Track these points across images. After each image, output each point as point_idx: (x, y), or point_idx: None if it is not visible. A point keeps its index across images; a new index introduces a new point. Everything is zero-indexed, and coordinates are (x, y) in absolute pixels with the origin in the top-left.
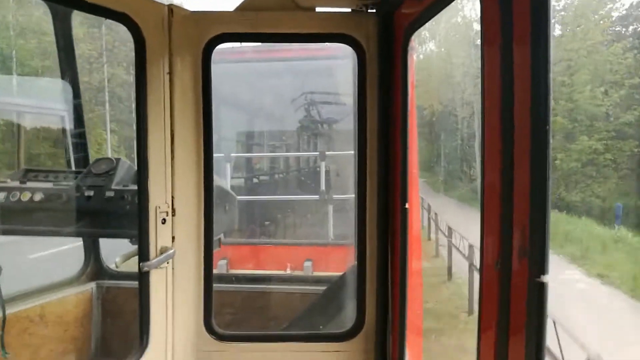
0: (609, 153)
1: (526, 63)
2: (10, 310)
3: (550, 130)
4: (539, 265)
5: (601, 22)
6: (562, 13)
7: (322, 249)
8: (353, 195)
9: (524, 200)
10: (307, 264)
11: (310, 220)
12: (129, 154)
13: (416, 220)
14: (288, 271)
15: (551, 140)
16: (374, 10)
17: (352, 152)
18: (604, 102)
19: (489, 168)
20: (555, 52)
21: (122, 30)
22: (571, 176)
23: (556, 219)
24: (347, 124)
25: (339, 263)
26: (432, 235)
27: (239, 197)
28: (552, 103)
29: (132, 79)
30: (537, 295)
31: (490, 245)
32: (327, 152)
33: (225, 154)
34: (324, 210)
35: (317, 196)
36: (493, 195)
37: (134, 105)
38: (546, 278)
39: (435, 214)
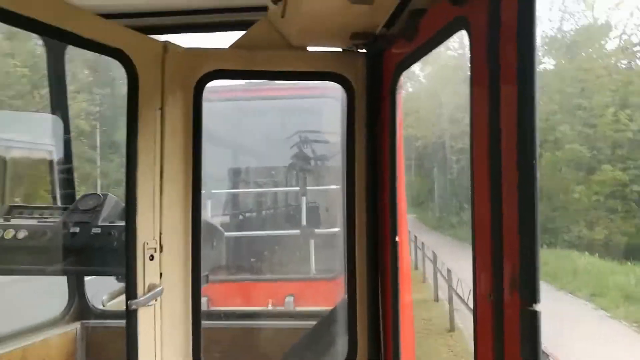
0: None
1: (513, 102)
2: None
3: (537, 165)
4: (531, 294)
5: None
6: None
7: (304, 283)
8: (336, 229)
9: (513, 233)
10: (289, 299)
11: (292, 256)
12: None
13: (406, 254)
14: (269, 307)
15: (538, 175)
16: (364, 50)
17: (337, 186)
18: (628, 126)
19: (478, 203)
20: (570, 73)
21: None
22: (591, 211)
23: (573, 259)
24: (335, 161)
25: (321, 298)
26: (430, 279)
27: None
28: (538, 140)
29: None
30: (530, 323)
31: (483, 277)
32: (312, 187)
33: (205, 190)
34: (305, 245)
35: (299, 231)
36: (483, 229)
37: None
38: (538, 307)
39: (434, 253)
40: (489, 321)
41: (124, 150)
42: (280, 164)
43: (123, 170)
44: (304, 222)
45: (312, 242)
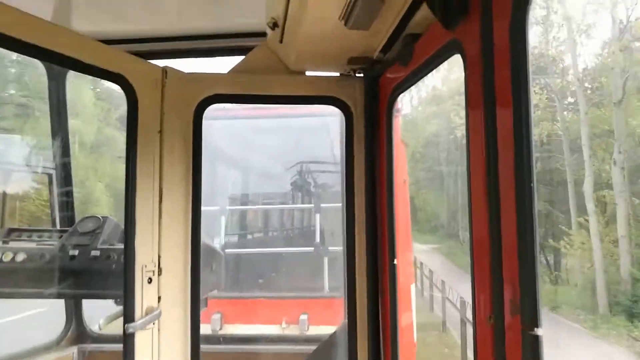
0: None
1: (509, 124)
2: None
3: (534, 186)
4: (532, 318)
5: None
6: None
7: (318, 301)
8: None
9: (513, 255)
10: (303, 317)
11: (305, 273)
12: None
13: (408, 275)
14: (283, 325)
15: (536, 196)
16: (362, 74)
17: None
18: None
19: (476, 225)
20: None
21: None
22: None
23: None
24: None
25: (335, 316)
26: None
27: (232, 251)
28: (534, 162)
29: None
30: (532, 348)
31: (482, 300)
32: (326, 205)
33: (220, 206)
34: (318, 263)
35: (312, 248)
36: (482, 251)
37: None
38: (540, 331)
39: None
40: (490, 345)
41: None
42: (286, 184)
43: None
44: (317, 239)
45: (325, 259)
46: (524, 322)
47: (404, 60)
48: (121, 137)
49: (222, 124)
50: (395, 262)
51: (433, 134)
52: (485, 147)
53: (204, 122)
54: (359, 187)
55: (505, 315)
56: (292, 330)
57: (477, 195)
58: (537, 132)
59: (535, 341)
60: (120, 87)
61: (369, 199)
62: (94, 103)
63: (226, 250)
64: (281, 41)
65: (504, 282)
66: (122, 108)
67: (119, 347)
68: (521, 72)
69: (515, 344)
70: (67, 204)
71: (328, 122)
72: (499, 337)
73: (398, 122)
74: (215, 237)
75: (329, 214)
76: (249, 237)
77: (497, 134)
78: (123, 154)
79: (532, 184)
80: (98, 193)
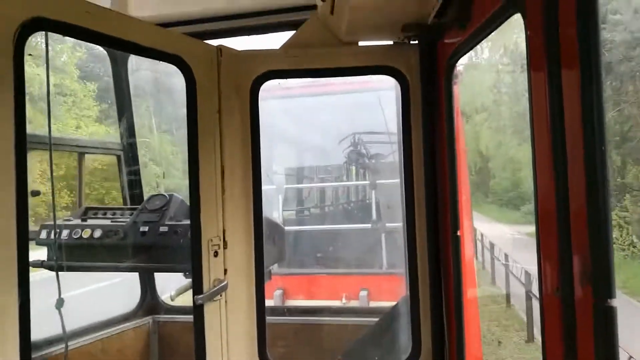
0: None
1: (576, 87)
2: (73, 344)
3: (606, 149)
4: (605, 289)
5: None
6: None
7: (377, 277)
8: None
9: (582, 222)
10: (363, 293)
11: (363, 250)
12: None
13: (469, 248)
14: (343, 301)
15: (609, 160)
16: (416, 42)
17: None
18: None
19: (542, 191)
20: None
21: None
22: None
23: None
24: (394, 156)
25: (394, 292)
26: None
27: (291, 229)
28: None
29: None
30: (605, 321)
31: (549, 271)
32: (382, 181)
33: (277, 185)
34: (376, 239)
35: (369, 225)
36: (549, 218)
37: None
38: (614, 302)
39: None
40: (558, 319)
41: None
42: (341, 159)
43: None
44: (373, 216)
45: (382, 236)
46: (596, 293)
47: (461, 23)
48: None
49: (277, 103)
50: (459, 233)
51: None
52: (550, 110)
53: (260, 103)
54: (418, 159)
55: (575, 286)
56: (353, 305)
57: (542, 159)
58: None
59: (610, 313)
60: (178, 68)
61: (428, 170)
62: None
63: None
64: (332, 12)
65: (573, 250)
66: None
67: (188, 318)
68: (590, 30)
69: (586, 317)
70: (135, 183)
71: (382, 96)
72: (568, 310)
73: (457, 89)
74: (273, 214)
75: (385, 190)
76: (306, 213)
77: (563, 96)
78: None
79: (603, 147)
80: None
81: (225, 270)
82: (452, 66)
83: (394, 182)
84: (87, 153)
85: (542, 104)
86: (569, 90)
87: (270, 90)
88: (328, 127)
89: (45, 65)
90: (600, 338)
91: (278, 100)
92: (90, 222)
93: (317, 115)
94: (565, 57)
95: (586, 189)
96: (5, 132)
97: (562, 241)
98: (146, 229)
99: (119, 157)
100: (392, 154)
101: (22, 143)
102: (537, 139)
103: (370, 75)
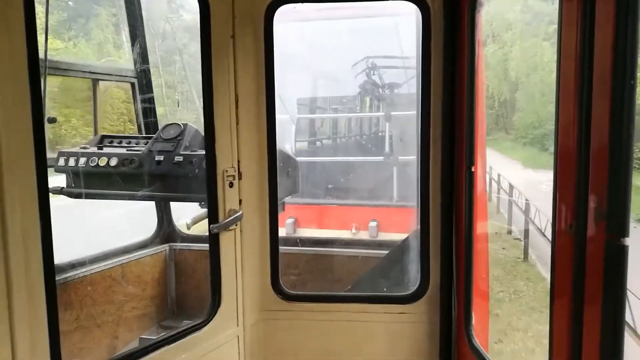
0: None
1: (610, 14)
2: (95, 268)
3: (636, 84)
4: (619, 227)
5: None
6: None
7: (387, 209)
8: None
9: (602, 159)
10: (372, 224)
11: (374, 182)
12: None
13: (481, 183)
14: (353, 231)
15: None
16: None
17: (415, 112)
18: None
19: (563, 124)
20: None
21: None
22: None
23: None
24: (410, 86)
25: (403, 224)
26: None
27: (303, 159)
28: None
29: None
30: (617, 259)
31: (564, 206)
32: (397, 113)
33: (290, 114)
34: (388, 172)
35: (382, 157)
36: (568, 154)
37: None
38: (627, 241)
39: None
40: (569, 256)
41: None
42: (355, 88)
43: None
44: (387, 148)
45: (394, 169)
46: (609, 231)
47: None
48: None
49: (291, 26)
50: (473, 169)
51: None
52: (580, 36)
53: (275, 26)
54: (436, 90)
55: (588, 223)
56: (362, 236)
57: (566, 91)
58: None
59: (621, 252)
60: None
61: (446, 102)
62: None
63: (297, 158)
64: None
65: (590, 185)
66: None
67: (203, 246)
68: None
69: (597, 254)
70: (149, 111)
71: (399, 22)
72: (579, 247)
73: (481, 19)
74: (286, 144)
75: (398, 122)
76: (318, 144)
77: (594, 26)
78: None
79: (633, 82)
80: None
81: (240, 201)
82: None
83: (408, 114)
84: (100, 80)
85: (572, 31)
86: (601, 19)
87: (283, 13)
88: (342, 54)
89: None
90: (609, 275)
91: (290, 24)
92: (106, 150)
93: (332, 41)
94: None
95: (609, 127)
96: (18, 56)
97: (579, 175)
98: (161, 158)
99: (132, 84)
100: (406, 82)
101: (35, 67)
102: (564, 68)
103: (390, 1)
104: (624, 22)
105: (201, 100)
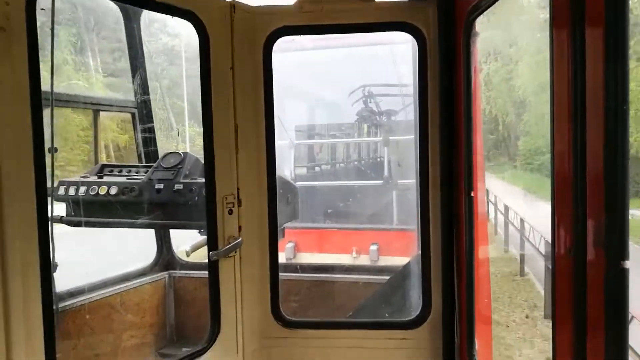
0: None
1: (599, 43)
2: (94, 297)
3: (628, 110)
4: (618, 250)
5: None
6: None
7: (387, 233)
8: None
9: (599, 186)
10: (373, 247)
11: (374, 206)
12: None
13: (481, 208)
14: (354, 254)
15: (629, 123)
16: None
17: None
18: None
19: (559, 150)
20: None
21: None
22: None
23: None
24: (407, 113)
25: (404, 248)
26: None
27: (302, 184)
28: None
29: None
30: (616, 282)
31: (563, 231)
32: (395, 137)
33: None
34: (388, 196)
35: (381, 182)
36: (564, 177)
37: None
38: (627, 264)
39: None
40: (569, 280)
41: None
42: (352, 115)
43: None
44: (385, 172)
45: (394, 193)
46: (608, 255)
47: None
48: None
49: (288, 55)
50: (472, 194)
51: None
52: (572, 66)
53: (274, 55)
54: (434, 117)
55: (587, 247)
56: (363, 260)
57: (560, 118)
58: None
59: (621, 275)
60: (192, 24)
61: (444, 128)
62: None
63: (296, 183)
64: None
65: (588, 210)
66: None
67: (203, 274)
68: None
69: (597, 278)
70: (150, 140)
71: (396, 50)
72: (579, 271)
73: (476, 47)
74: (285, 170)
75: (396, 147)
76: (317, 169)
77: (585, 53)
78: None
79: (625, 107)
80: None
81: (240, 228)
82: (471, 23)
83: (406, 138)
84: (101, 110)
85: (564, 60)
86: (592, 46)
87: (281, 43)
88: (340, 82)
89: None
90: (611, 299)
91: (288, 53)
92: (106, 179)
93: (329, 70)
94: (590, 13)
95: (604, 153)
96: (21, 89)
97: (577, 201)
98: (161, 186)
99: (133, 114)
100: (404, 109)
101: (37, 99)
102: (557, 98)
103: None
104: (613, 49)
105: (179, 126)
